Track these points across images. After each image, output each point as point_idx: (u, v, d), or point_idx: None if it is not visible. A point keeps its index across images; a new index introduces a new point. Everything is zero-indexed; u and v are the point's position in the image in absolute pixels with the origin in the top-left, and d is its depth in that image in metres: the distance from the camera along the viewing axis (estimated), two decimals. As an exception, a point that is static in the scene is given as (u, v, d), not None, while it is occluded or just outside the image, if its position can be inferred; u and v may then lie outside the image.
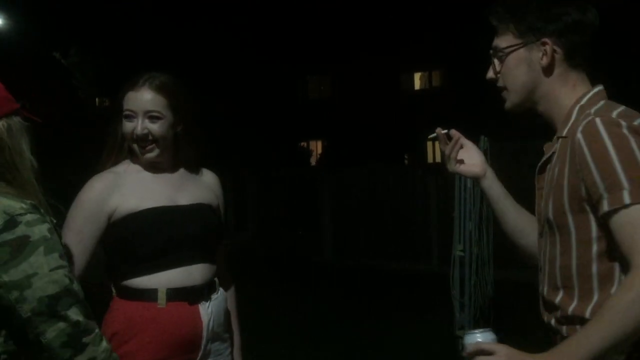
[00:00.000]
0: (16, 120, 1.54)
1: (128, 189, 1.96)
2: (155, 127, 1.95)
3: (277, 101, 20.92)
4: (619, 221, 1.32)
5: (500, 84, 1.61)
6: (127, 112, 1.96)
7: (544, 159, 1.56)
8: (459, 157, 1.77)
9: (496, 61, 1.60)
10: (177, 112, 1.99)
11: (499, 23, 1.58)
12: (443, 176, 9.00)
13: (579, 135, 1.40)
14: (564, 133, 1.49)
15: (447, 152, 1.77)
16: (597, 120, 1.39)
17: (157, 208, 1.95)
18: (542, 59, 1.52)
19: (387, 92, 21.12)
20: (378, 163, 11.23)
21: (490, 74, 1.62)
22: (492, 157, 5.22)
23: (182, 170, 2.09)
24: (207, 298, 1.96)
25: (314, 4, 19.13)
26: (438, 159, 20.43)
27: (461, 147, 1.78)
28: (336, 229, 10.46)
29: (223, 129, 16.93)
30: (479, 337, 1.41)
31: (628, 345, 1.30)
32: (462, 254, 5.14)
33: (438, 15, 18.01)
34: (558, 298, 1.46)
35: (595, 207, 1.37)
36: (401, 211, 9.85)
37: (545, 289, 1.51)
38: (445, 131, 1.77)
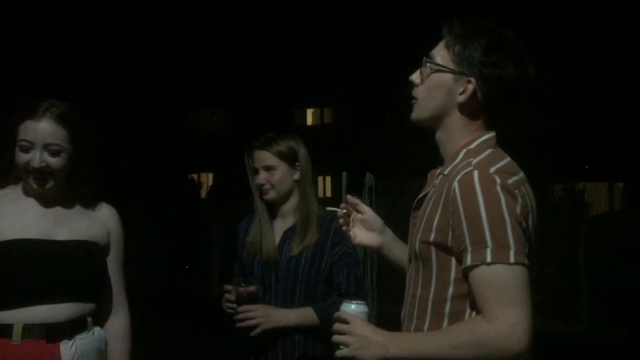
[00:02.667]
0: None
1: (0, 215, 1.87)
2: (54, 161, 1.86)
3: (169, 132, 20.52)
4: (478, 277, 1.38)
5: (414, 93, 1.62)
6: (23, 143, 1.84)
7: (421, 194, 1.61)
8: (358, 227, 1.82)
9: (423, 70, 1.59)
10: (77, 144, 1.90)
11: (448, 37, 1.57)
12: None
13: (455, 184, 1.44)
14: (446, 172, 1.52)
15: (344, 229, 1.81)
16: (475, 173, 1.42)
17: (27, 240, 1.85)
18: (461, 93, 1.53)
19: (280, 127, 21.31)
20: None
21: (415, 78, 1.61)
22: (377, 193, 5.41)
23: (71, 204, 1.98)
24: (71, 337, 1.85)
25: (212, 36, 19.12)
26: (328, 194, 20.78)
27: (359, 213, 1.82)
28: (224, 265, 10.31)
29: (110, 160, 16.38)
30: (352, 307, 1.53)
31: None
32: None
33: (331, 54, 18.52)
34: (412, 326, 1.54)
35: (458, 256, 1.44)
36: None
37: (405, 315, 1.59)
38: (344, 210, 1.81)
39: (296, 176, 2.44)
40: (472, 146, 1.54)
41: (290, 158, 2.44)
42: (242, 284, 2.27)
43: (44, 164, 1.84)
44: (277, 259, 2.37)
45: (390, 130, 17.39)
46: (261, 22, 19.25)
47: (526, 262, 1.38)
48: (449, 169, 1.53)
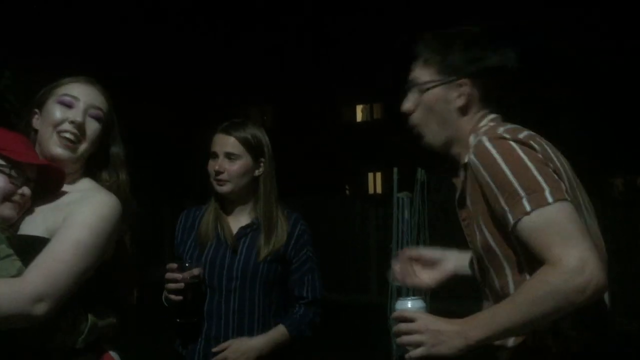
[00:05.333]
0: None
1: None
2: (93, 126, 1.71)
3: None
4: (525, 230, 1.35)
5: (415, 120, 1.60)
6: (65, 98, 1.69)
7: (458, 192, 1.59)
8: (421, 270, 1.81)
9: (414, 94, 1.59)
10: (110, 126, 1.77)
11: (424, 55, 1.59)
12: (382, 207, 9.11)
13: (472, 157, 1.44)
14: (466, 160, 1.52)
15: (409, 282, 1.82)
16: (484, 138, 1.43)
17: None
18: (458, 98, 1.54)
19: (330, 123, 21.32)
20: (316, 194, 11.27)
21: (408, 105, 1.60)
22: (431, 189, 5.34)
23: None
24: None
25: (258, 34, 19.26)
26: (378, 190, 20.69)
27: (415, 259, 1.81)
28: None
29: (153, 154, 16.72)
30: (409, 304, 1.46)
31: (530, 330, 1.37)
32: (399, 284, 5.17)
33: (382, 50, 18.41)
34: None
35: (503, 224, 1.41)
36: (340, 242, 9.88)
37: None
38: (398, 270, 1.81)
39: (257, 172, 2.22)
40: (478, 130, 1.53)
41: (255, 150, 2.21)
42: (187, 265, 2.08)
43: (81, 121, 1.67)
44: (231, 257, 2.18)
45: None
46: (309, 16, 19.29)
47: (565, 196, 1.35)
48: (466, 157, 1.52)
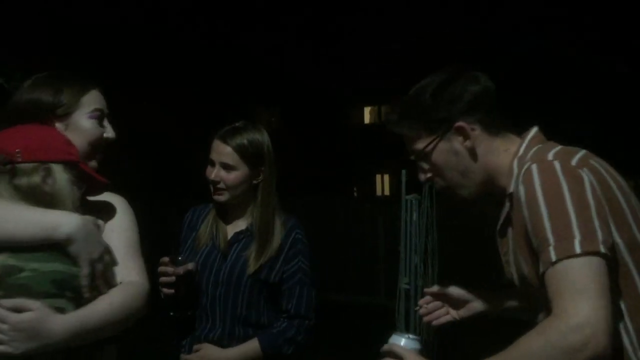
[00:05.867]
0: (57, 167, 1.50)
1: None
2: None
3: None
4: (547, 280, 1.27)
5: (440, 183, 1.55)
6: (96, 112, 1.68)
7: (501, 221, 1.51)
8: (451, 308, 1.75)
9: (422, 163, 1.55)
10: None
11: (406, 127, 1.54)
12: (390, 209, 9.08)
13: (520, 187, 1.36)
14: (511, 189, 1.44)
15: (434, 323, 1.76)
16: (533, 167, 1.34)
17: None
18: (464, 142, 1.48)
19: (338, 125, 21.33)
20: (324, 196, 11.26)
21: (424, 176, 1.56)
22: (438, 192, 5.32)
23: None
24: None
25: (266, 34, 19.29)
26: (386, 192, 20.66)
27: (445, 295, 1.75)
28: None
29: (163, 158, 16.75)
30: (402, 341, 1.40)
31: None
32: (407, 286, 5.16)
33: (390, 52, 18.39)
34: None
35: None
36: (348, 243, 9.86)
37: None
38: (423, 308, 1.77)
39: (256, 180, 2.14)
40: (520, 153, 1.46)
41: (253, 159, 2.11)
42: (180, 258, 2.08)
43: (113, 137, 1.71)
44: (220, 262, 2.14)
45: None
46: (317, 16, 19.30)
47: (599, 248, 1.24)
48: (512, 185, 1.43)
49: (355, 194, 20.97)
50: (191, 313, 2.14)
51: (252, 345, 2.10)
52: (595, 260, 1.24)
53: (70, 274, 1.42)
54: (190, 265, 2.07)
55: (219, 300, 2.13)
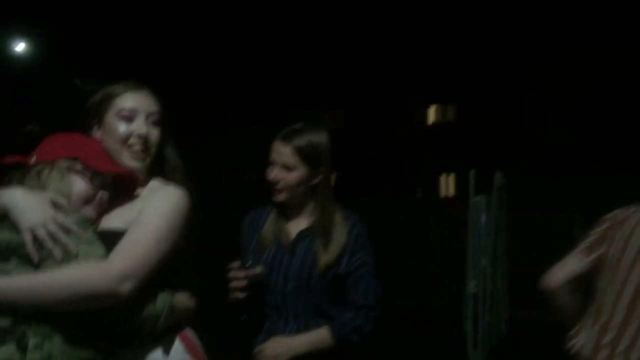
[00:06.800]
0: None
1: None
2: (155, 133, 1.83)
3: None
4: None
5: None
6: (125, 112, 1.80)
7: None
8: None
9: None
10: (165, 124, 1.89)
11: None
12: (456, 210, 8.91)
13: None
14: None
15: None
16: None
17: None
18: None
19: (401, 125, 21.15)
20: (387, 196, 11.16)
21: None
22: (509, 194, 5.16)
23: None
24: None
25: (328, 35, 19.32)
26: (450, 193, 20.33)
27: None
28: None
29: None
30: None
31: None
32: (475, 290, 5.04)
33: (453, 50, 18.10)
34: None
35: None
36: (410, 245, 9.75)
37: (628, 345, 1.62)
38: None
39: (315, 181, 2.19)
40: None
41: (312, 160, 2.17)
42: (247, 266, 2.12)
43: (147, 132, 1.80)
44: (288, 260, 2.20)
45: (522, 127, 16.68)
46: (380, 17, 19.18)
47: None
48: None
49: (418, 195, 20.73)
50: (259, 316, 2.20)
51: (322, 332, 2.16)
52: None
53: (17, 242, 1.56)
54: (258, 269, 2.13)
55: (291, 296, 2.18)
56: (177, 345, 1.79)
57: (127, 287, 1.57)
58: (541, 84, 16.01)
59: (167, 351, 1.76)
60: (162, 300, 1.70)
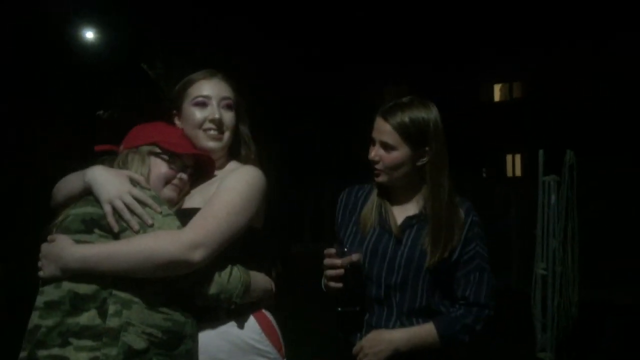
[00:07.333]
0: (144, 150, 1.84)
1: None
2: (229, 116, 1.98)
3: (356, 112, 20.89)
4: None
5: None
6: (199, 99, 1.96)
7: None
8: None
9: None
10: (240, 108, 2.05)
11: None
12: (523, 190, 8.73)
13: None
14: None
15: None
16: None
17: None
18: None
19: (466, 103, 20.74)
20: (453, 176, 10.99)
21: None
22: (580, 173, 5.02)
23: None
24: None
25: (395, 15, 19.08)
26: (517, 173, 19.86)
27: None
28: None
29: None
30: None
31: None
32: (544, 272, 4.94)
33: (520, 27, 17.57)
34: None
35: None
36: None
37: None
38: None
39: (421, 161, 1.96)
40: None
41: (416, 138, 1.93)
42: (345, 250, 1.93)
43: (220, 117, 1.93)
44: (394, 249, 1.98)
45: (592, 103, 16.08)
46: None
47: None
48: None
49: (484, 174, 20.33)
50: (360, 307, 1.99)
51: (427, 328, 1.97)
52: None
53: (99, 214, 1.68)
54: (356, 257, 1.92)
55: (395, 289, 1.98)
56: (253, 323, 1.84)
57: (198, 255, 1.64)
58: (610, 61, 15.37)
59: (241, 327, 1.82)
60: (236, 277, 1.75)
